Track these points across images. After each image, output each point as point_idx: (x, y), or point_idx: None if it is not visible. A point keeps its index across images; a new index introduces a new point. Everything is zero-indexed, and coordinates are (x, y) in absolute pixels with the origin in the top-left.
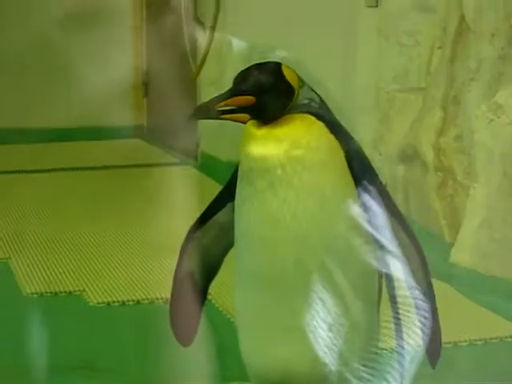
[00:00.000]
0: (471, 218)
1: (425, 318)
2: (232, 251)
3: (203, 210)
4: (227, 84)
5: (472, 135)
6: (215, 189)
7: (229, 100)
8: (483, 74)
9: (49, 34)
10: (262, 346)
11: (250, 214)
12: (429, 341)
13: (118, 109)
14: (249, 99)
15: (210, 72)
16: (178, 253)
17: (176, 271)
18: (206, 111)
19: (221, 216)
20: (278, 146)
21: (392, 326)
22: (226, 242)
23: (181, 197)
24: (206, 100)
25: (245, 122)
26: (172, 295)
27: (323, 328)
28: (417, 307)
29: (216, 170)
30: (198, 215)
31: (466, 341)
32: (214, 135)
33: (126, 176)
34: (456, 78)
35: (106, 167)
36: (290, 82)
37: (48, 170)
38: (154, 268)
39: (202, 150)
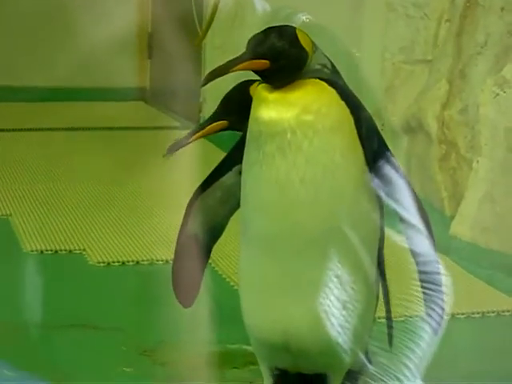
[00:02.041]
0: (473, 191)
1: (430, 286)
2: (236, 214)
3: (207, 173)
4: (233, 48)
5: (477, 109)
6: (216, 154)
7: (245, 63)
8: (490, 49)
9: None
10: (263, 307)
11: (257, 177)
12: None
13: (121, 70)
14: (264, 63)
15: (215, 35)
16: (182, 214)
17: (180, 232)
18: (220, 74)
19: (227, 178)
20: (289, 111)
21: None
22: (232, 205)
23: (182, 160)
24: (211, 64)
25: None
26: (175, 255)
27: (324, 292)
28: (422, 276)
29: (217, 136)
30: (199, 179)
31: (463, 313)
32: (216, 100)
33: (128, 138)
34: (463, 51)
35: (107, 128)
36: (305, 46)
37: (50, 129)
38: (154, 230)
39: (204, 114)
